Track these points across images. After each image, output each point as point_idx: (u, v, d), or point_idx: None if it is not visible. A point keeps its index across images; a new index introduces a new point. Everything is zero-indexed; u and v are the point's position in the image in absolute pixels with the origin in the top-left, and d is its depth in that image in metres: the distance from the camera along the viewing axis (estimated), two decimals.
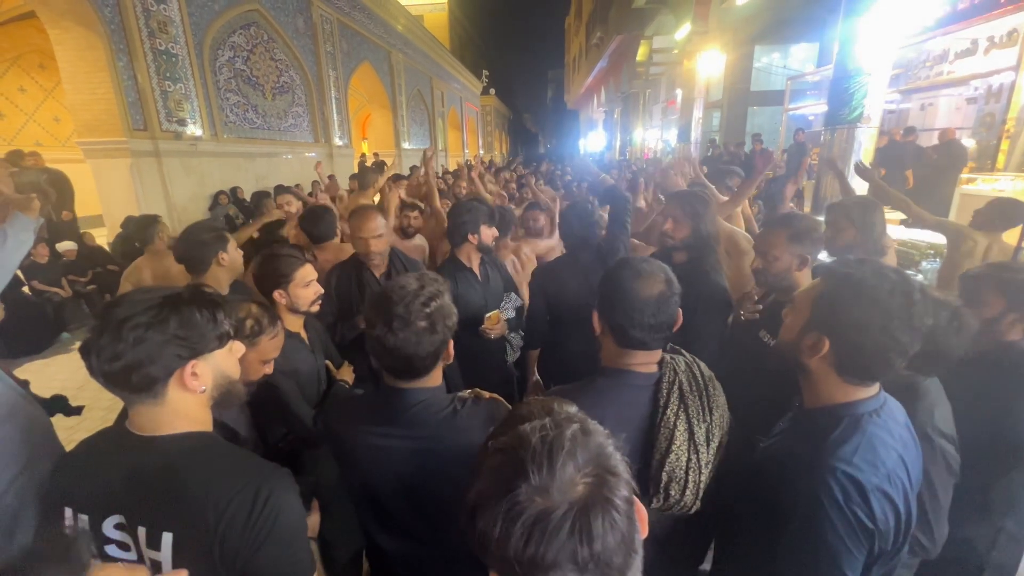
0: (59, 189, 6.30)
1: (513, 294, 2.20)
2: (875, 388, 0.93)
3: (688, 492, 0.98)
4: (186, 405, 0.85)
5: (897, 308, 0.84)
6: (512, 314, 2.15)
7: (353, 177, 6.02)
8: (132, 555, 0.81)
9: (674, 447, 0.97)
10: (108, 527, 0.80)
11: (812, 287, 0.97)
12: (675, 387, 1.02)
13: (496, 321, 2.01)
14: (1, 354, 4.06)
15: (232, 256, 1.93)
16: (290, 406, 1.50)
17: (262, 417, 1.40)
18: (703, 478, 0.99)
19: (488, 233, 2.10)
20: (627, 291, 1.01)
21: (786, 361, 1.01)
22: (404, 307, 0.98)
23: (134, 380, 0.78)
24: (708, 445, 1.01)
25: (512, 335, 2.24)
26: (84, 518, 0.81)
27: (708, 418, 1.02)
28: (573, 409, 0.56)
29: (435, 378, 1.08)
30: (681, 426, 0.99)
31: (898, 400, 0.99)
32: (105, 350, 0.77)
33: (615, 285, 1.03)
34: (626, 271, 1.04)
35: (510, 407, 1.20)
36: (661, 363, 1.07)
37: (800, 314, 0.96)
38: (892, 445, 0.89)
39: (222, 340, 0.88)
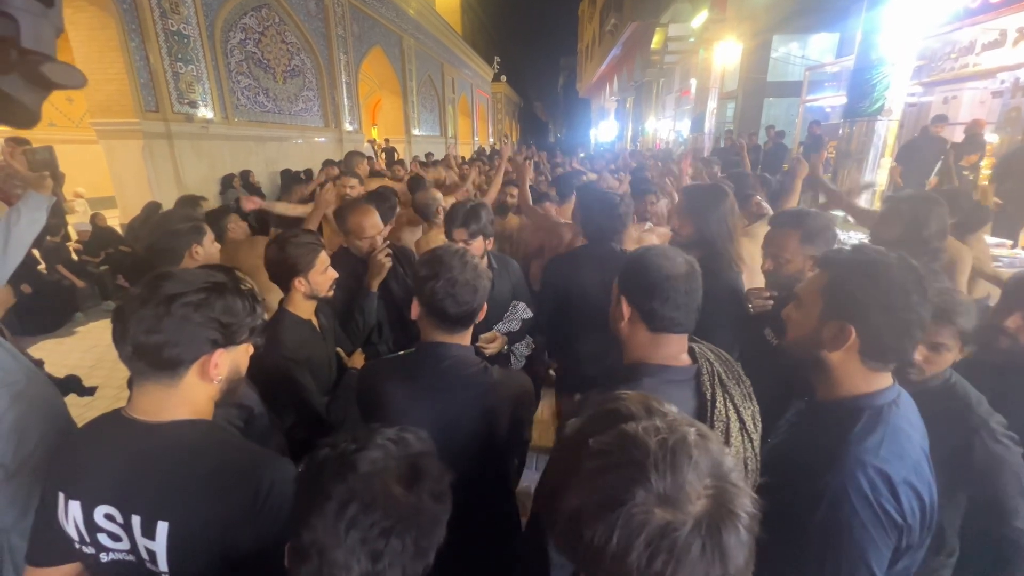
0: None
1: (521, 304, 2.08)
2: (890, 377, 0.92)
3: (749, 481, 0.97)
4: (196, 392, 0.84)
5: (912, 282, 0.85)
6: (516, 326, 2.03)
7: (328, 163, 5.64)
8: (124, 544, 0.80)
9: (732, 440, 0.96)
10: (99, 516, 0.79)
11: (815, 279, 0.96)
12: (715, 377, 1.01)
13: (492, 339, 1.90)
14: (16, 332, 4.12)
15: (208, 250, 1.84)
16: (303, 395, 1.50)
17: (275, 405, 1.40)
18: (758, 465, 1.00)
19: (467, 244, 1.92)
20: (658, 269, 0.99)
21: (798, 360, 1.00)
22: (460, 259, 1.15)
23: (164, 356, 0.78)
24: (756, 430, 1.01)
25: (517, 346, 2.13)
26: (76, 504, 0.80)
27: (751, 404, 1.02)
28: (675, 409, 0.51)
29: (467, 338, 1.22)
30: (733, 416, 0.98)
31: (941, 406, 1.00)
32: (146, 321, 0.77)
33: (644, 266, 1.01)
34: (651, 253, 1.03)
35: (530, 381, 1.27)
36: (692, 354, 1.04)
37: (810, 308, 0.95)
38: (913, 435, 0.88)
39: (252, 334, 0.89)
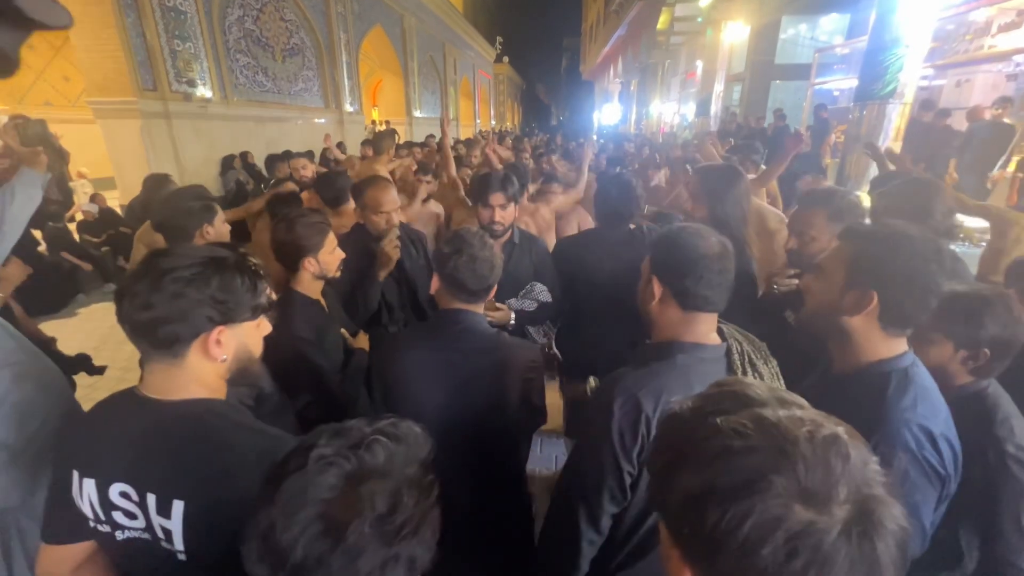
0: None
1: (540, 286, 2.03)
2: (906, 343, 0.98)
3: None
4: (203, 371, 0.83)
5: (932, 253, 0.91)
6: (532, 306, 1.99)
7: (366, 142, 5.85)
8: (139, 522, 0.79)
9: None
10: (114, 494, 0.79)
11: (839, 250, 1.01)
12: (745, 357, 1.02)
13: (492, 309, 1.83)
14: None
15: (218, 230, 1.81)
16: (317, 375, 1.50)
17: (287, 386, 1.39)
18: None
19: (486, 213, 1.97)
20: (692, 248, 0.99)
21: (817, 329, 1.04)
22: (479, 239, 1.25)
23: (160, 334, 0.77)
24: None
25: (533, 330, 2.10)
26: (91, 482, 0.79)
27: (779, 383, 1.04)
28: (807, 403, 0.48)
29: (481, 308, 1.32)
30: None
31: (966, 416, 1.00)
32: (139, 297, 0.76)
33: (676, 245, 1.01)
34: (684, 232, 1.03)
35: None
36: (721, 335, 1.04)
37: (833, 277, 1.00)
38: (936, 392, 0.94)
39: (255, 312, 0.87)
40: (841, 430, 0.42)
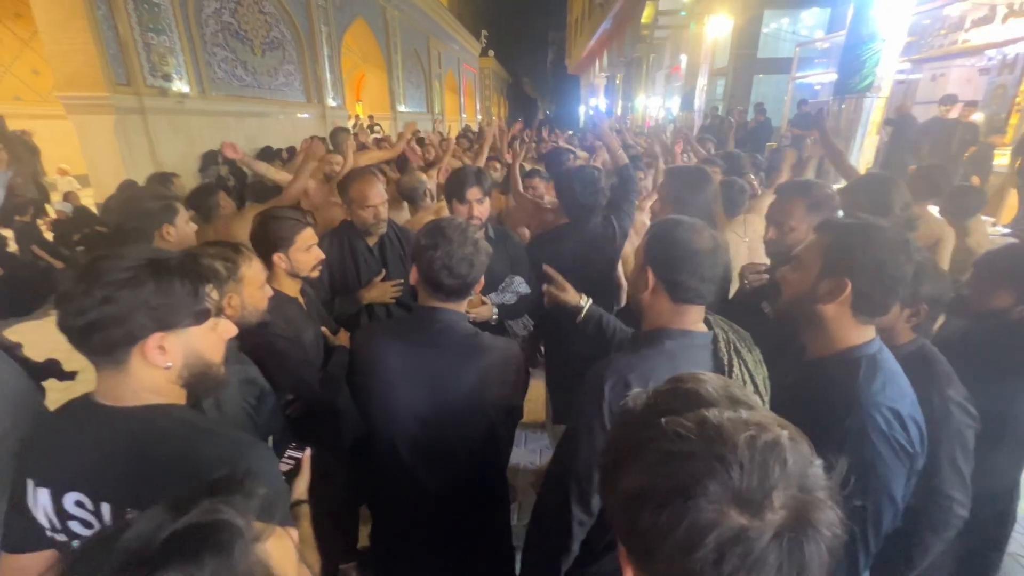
0: None
1: (518, 278, 2.02)
2: (874, 331, 1.04)
3: None
4: (151, 378, 0.78)
5: (900, 245, 0.97)
6: (512, 299, 1.97)
7: (311, 139, 5.68)
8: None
9: None
10: (69, 503, 0.76)
11: (815, 242, 1.06)
12: (731, 345, 1.04)
13: (477, 304, 1.81)
14: None
15: (181, 231, 1.73)
16: (298, 372, 1.48)
17: (269, 383, 1.38)
18: None
19: (463, 209, 1.91)
20: (686, 243, 1.01)
21: (793, 317, 1.10)
22: (460, 232, 1.17)
23: (95, 340, 0.73)
24: (767, 393, 1.06)
25: (512, 323, 2.09)
26: (44, 491, 0.77)
27: (762, 369, 1.07)
28: (758, 401, 0.49)
29: (462, 306, 1.26)
30: (747, 380, 1.04)
31: (913, 370, 1.06)
32: (73, 302, 0.71)
33: (672, 240, 1.03)
34: (680, 226, 1.04)
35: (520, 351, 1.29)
36: (708, 324, 1.07)
37: (809, 267, 1.04)
38: (902, 376, 1.00)
39: (199, 318, 0.80)
40: (784, 434, 0.42)
